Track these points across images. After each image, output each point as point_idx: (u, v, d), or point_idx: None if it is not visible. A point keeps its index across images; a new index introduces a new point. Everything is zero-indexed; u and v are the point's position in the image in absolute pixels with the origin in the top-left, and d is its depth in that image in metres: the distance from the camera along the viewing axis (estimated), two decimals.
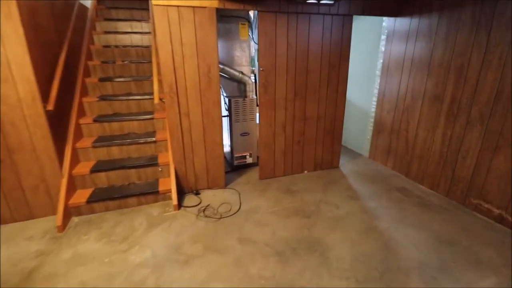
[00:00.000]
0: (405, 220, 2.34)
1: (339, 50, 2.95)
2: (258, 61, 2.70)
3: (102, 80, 3.01)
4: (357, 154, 3.96)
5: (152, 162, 2.64)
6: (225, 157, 3.08)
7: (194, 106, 2.58)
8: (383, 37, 3.28)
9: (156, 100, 2.47)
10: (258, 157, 3.23)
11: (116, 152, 2.68)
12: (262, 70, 2.73)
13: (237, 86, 3.29)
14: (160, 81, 2.52)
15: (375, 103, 3.53)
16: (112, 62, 3.20)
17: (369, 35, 3.52)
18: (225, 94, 3.31)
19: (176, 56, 2.40)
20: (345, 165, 3.55)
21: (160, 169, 2.66)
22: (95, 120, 2.72)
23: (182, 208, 2.54)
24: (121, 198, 2.47)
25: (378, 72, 3.43)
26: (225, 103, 3.30)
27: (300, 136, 3.14)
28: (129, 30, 3.71)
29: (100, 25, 3.60)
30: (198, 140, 2.69)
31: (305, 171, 3.31)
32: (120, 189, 2.52)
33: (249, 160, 3.40)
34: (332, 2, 2.63)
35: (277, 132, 3.02)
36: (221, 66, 2.93)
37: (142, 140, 2.71)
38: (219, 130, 2.73)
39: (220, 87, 2.94)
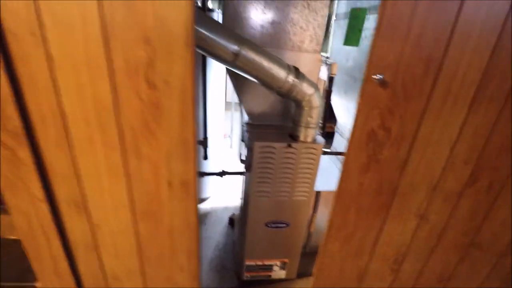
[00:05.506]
0: None
1: None
2: (371, 50, 0.65)
3: None
4: None
5: None
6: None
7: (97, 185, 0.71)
8: None
9: None
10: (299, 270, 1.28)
11: None
12: (382, 81, 0.68)
13: (280, 105, 1.30)
14: None
15: None
16: None
17: None
18: (245, 119, 1.35)
19: None
20: None
21: None
22: None
23: None
24: None
25: None
26: (242, 140, 1.34)
27: None
28: None
29: None
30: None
31: None
32: None
33: (278, 273, 1.47)
34: None
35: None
36: (233, 47, 0.96)
37: None
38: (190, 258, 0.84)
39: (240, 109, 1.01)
